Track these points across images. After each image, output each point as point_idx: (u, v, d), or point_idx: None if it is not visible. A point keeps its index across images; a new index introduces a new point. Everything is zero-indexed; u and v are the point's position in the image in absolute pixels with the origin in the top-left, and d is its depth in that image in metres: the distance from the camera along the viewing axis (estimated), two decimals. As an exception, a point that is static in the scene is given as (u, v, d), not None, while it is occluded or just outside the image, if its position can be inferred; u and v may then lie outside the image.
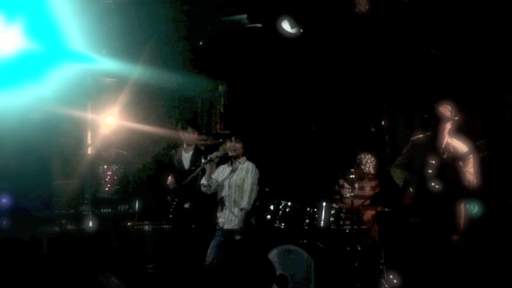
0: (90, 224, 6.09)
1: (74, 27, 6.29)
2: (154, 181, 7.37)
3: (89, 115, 7.70)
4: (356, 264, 5.82)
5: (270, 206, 5.94)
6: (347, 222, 5.98)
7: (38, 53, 6.26)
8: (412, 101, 6.67)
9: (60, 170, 7.11)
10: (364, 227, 6.06)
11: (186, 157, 6.65)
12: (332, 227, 5.94)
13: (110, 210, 6.34)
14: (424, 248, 5.16)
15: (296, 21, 6.53)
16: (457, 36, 6.16)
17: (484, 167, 5.30)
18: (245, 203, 5.66)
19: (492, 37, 5.99)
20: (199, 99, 8.65)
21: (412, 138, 5.52)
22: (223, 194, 5.84)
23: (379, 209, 5.99)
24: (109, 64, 7.10)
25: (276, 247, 5.75)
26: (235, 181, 5.76)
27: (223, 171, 5.93)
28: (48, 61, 6.41)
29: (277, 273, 5.69)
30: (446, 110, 5.19)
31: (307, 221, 5.94)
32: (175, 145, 7.01)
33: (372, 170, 6.35)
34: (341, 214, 6.00)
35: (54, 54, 6.41)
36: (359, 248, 5.88)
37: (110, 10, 6.69)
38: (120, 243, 6.22)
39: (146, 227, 6.44)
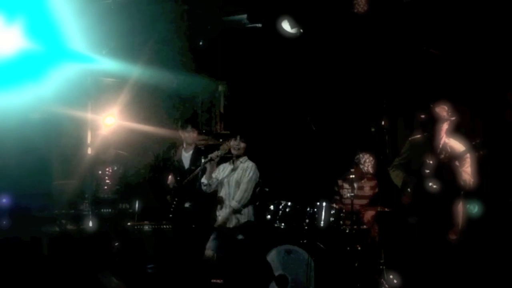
0: (90, 224, 6.09)
1: (74, 27, 6.29)
2: (154, 181, 7.38)
3: (89, 115, 7.71)
4: (356, 264, 5.82)
5: (270, 206, 5.94)
6: (347, 222, 5.98)
7: (38, 53, 6.26)
8: (412, 101, 6.67)
9: (60, 170, 7.11)
10: (364, 227, 6.06)
11: (186, 157, 6.65)
12: (333, 226, 5.95)
13: (110, 210, 6.34)
14: (423, 248, 5.16)
15: (296, 21, 6.53)
16: (457, 36, 6.16)
17: (481, 166, 5.31)
18: (235, 201, 5.68)
19: (492, 37, 5.99)
20: (199, 99, 8.65)
21: (409, 139, 5.53)
22: (223, 192, 5.86)
23: (379, 209, 5.99)
24: (109, 64, 7.10)
25: (276, 247, 5.75)
26: (235, 180, 5.78)
27: (224, 169, 5.94)
28: (48, 61, 6.42)
29: (277, 273, 5.70)
30: (442, 110, 5.20)
31: (307, 221, 5.94)
32: (174, 145, 7.01)
33: (370, 170, 6.36)
34: (341, 214, 6.00)
35: (54, 54, 6.42)
36: (359, 248, 5.88)
37: (110, 10, 6.69)
38: (120, 243, 6.22)
39: (146, 227, 6.43)
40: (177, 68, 7.64)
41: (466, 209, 5.37)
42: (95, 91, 7.80)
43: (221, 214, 5.76)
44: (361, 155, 6.36)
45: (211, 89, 8.60)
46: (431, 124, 5.21)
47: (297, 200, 6.01)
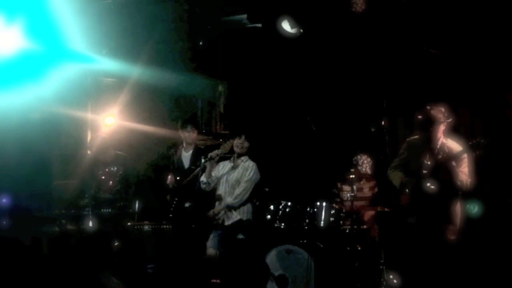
0: (90, 224, 6.08)
1: (74, 27, 6.28)
2: (154, 181, 7.38)
3: (89, 115, 7.70)
4: (356, 264, 5.82)
5: (270, 206, 5.95)
6: (347, 222, 5.98)
7: (38, 53, 6.26)
8: (412, 101, 6.67)
9: (60, 170, 7.10)
10: (364, 227, 6.06)
11: (186, 156, 6.65)
12: (333, 226, 5.95)
13: (110, 210, 6.33)
14: (422, 248, 5.16)
15: (296, 21, 6.52)
16: (457, 35, 6.16)
17: (481, 166, 5.31)
18: (232, 197, 5.71)
19: (491, 37, 5.99)
20: (199, 99, 8.65)
21: (407, 139, 5.53)
22: (221, 189, 5.88)
23: (379, 209, 5.99)
24: (109, 64, 7.10)
25: (276, 247, 5.76)
26: (235, 178, 5.80)
27: (223, 167, 5.98)
28: (48, 61, 6.41)
29: (277, 273, 5.70)
30: (439, 112, 5.19)
31: (307, 221, 5.94)
32: (174, 145, 7.01)
33: (369, 171, 6.36)
34: (341, 214, 6.00)
35: (54, 54, 6.41)
36: (359, 248, 5.88)
37: (110, 10, 6.68)
38: (120, 243, 6.22)
39: (146, 227, 6.43)
40: (177, 68, 7.64)
41: (465, 209, 5.37)
42: (95, 91, 7.80)
43: (216, 208, 5.79)
44: (358, 156, 6.37)
45: (211, 89, 8.60)
46: (428, 125, 5.21)
47: (297, 200, 6.01)
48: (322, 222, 5.89)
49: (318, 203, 5.94)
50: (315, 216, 5.93)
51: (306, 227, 5.92)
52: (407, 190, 5.29)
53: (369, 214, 6.16)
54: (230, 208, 5.77)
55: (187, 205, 6.18)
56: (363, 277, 5.79)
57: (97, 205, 6.28)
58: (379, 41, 6.47)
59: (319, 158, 6.96)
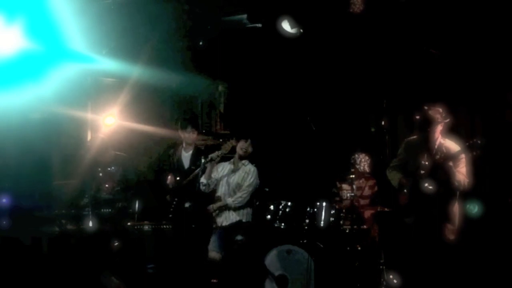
0: (90, 224, 6.08)
1: (74, 27, 6.28)
2: (154, 181, 7.37)
3: (89, 115, 7.70)
4: (356, 264, 5.82)
5: (270, 206, 5.95)
6: (347, 222, 5.98)
7: (38, 53, 6.25)
8: (412, 101, 6.67)
9: (60, 170, 7.10)
10: (364, 227, 6.06)
11: (185, 157, 6.65)
12: (333, 226, 5.95)
13: (110, 210, 6.34)
14: (422, 248, 5.17)
15: (296, 21, 6.53)
16: (456, 35, 6.16)
17: (480, 166, 5.31)
18: (233, 199, 5.72)
19: (491, 37, 5.99)
20: (199, 99, 8.65)
21: (405, 140, 5.54)
22: (221, 192, 5.88)
23: (378, 209, 6.00)
24: (109, 64, 7.09)
25: (276, 247, 5.75)
26: (236, 182, 5.80)
27: (223, 168, 5.98)
28: (48, 61, 6.41)
29: (277, 273, 5.70)
30: (436, 113, 5.20)
31: (307, 221, 5.94)
32: (174, 145, 7.00)
33: (367, 169, 6.37)
34: (341, 214, 6.00)
35: (54, 54, 6.41)
36: (359, 248, 5.88)
37: (110, 10, 6.68)
38: (120, 243, 6.22)
39: (146, 227, 6.42)
40: (177, 68, 7.64)
41: (463, 209, 5.38)
42: (95, 91, 7.79)
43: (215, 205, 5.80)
44: (356, 155, 6.38)
45: (211, 89, 8.59)
46: (426, 126, 5.22)
47: (297, 200, 6.01)
48: (322, 222, 5.89)
49: (318, 203, 5.95)
50: (315, 216, 5.93)
51: (306, 227, 5.93)
52: (405, 190, 5.30)
53: (369, 213, 6.16)
54: (228, 208, 5.76)
55: (187, 205, 6.17)
56: (363, 277, 5.79)
57: (97, 205, 6.28)
58: (379, 41, 6.48)
59: (319, 158, 6.96)
